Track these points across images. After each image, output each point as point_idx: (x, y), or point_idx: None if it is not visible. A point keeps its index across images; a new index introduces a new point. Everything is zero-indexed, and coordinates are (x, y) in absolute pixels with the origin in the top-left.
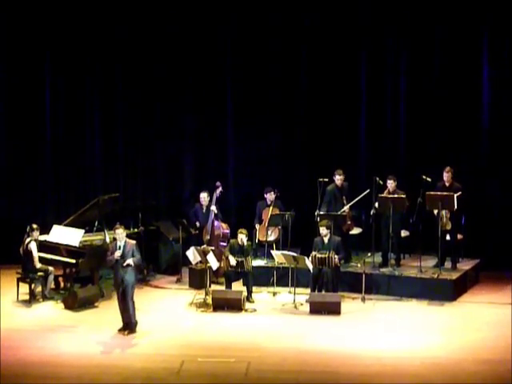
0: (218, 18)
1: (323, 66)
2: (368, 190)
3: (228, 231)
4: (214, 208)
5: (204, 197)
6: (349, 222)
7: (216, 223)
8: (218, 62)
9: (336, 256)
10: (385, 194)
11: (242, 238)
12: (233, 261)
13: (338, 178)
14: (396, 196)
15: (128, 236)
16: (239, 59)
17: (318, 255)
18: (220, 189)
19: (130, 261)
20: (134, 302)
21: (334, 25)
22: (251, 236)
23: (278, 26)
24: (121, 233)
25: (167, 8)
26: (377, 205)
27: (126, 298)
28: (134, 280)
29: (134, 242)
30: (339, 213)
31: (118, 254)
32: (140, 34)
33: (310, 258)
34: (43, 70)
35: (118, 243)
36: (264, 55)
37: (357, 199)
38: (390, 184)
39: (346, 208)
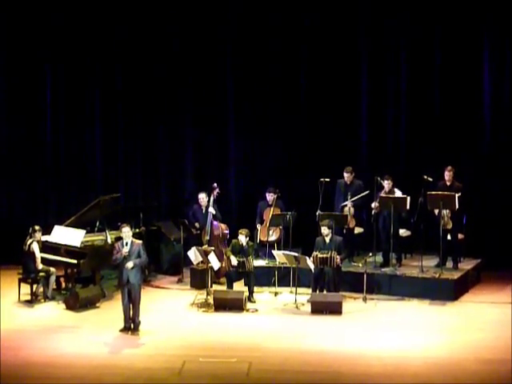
0: (217, 18)
1: (323, 66)
2: (367, 192)
3: (227, 231)
4: (211, 209)
5: (202, 197)
6: (348, 218)
7: (215, 224)
8: (218, 62)
9: (338, 256)
10: (382, 194)
11: (242, 238)
12: (234, 261)
13: (345, 176)
14: (398, 196)
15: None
16: (239, 59)
17: (320, 255)
18: (217, 190)
19: (130, 264)
20: (139, 302)
21: (333, 25)
22: (252, 236)
23: (278, 25)
24: (127, 231)
25: (167, 8)
26: (373, 205)
27: (132, 297)
28: (140, 280)
29: (140, 241)
30: (341, 208)
31: (125, 250)
32: (140, 34)
33: (312, 258)
34: (43, 70)
35: (125, 241)
36: (264, 55)
37: (356, 198)
38: (387, 184)
39: (348, 203)
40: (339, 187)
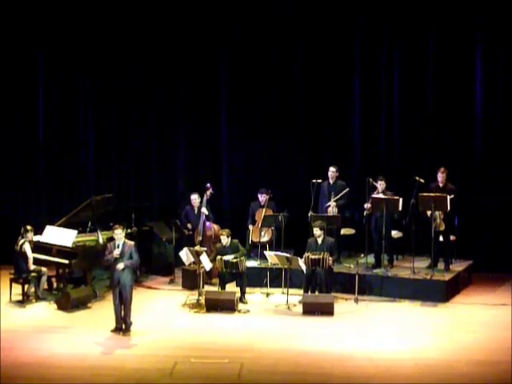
0: (216, 18)
1: (318, 67)
2: (348, 189)
3: (220, 232)
4: (204, 210)
5: (195, 198)
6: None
7: (207, 224)
8: (212, 63)
9: (330, 258)
10: (375, 195)
11: (223, 238)
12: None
13: (331, 171)
14: (390, 197)
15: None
16: (234, 60)
17: (312, 256)
18: (210, 190)
19: (121, 265)
20: (130, 303)
21: (330, 26)
22: (245, 237)
23: (276, 26)
24: (119, 233)
25: (162, 7)
26: (366, 206)
27: (123, 298)
28: (131, 280)
29: (132, 242)
30: (325, 208)
31: (116, 252)
32: (136, 34)
33: (303, 259)
34: (36, 69)
35: (117, 242)
36: (259, 56)
37: (338, 196)
38: (381, 185)
39: (332, 203)
40: (323, 189)
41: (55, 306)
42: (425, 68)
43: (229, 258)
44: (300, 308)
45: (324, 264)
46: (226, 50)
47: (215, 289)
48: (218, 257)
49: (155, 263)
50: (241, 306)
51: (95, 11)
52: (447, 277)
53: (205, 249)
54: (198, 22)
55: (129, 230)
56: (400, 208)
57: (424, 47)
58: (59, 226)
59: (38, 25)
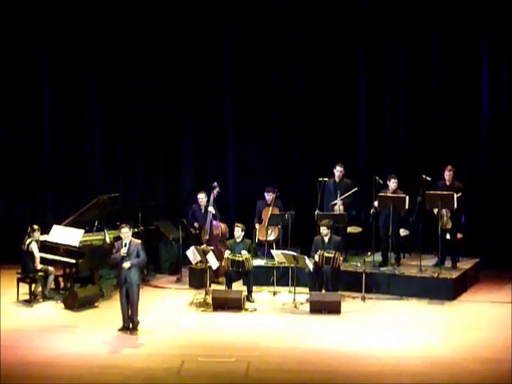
0: (217, 17)
1: (322, 65)
2: (356, 188)
3: (226, 231)
4: (211, 209)
5: (202, 197)
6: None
7: (214, 223)
8: (217, 61)
9: (341, 257)
10: (388, 193)
11: (238, 230)
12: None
13: (338, 170)
14: (396, 195)
15: None
16: (239, 59)
17: (326, 254)
18: (217, 189)
19: (127, 264)
20: (137, 302)
21: (332, 25)
22: (251, 236)
23: (277, 26)
24: (126, 232)
25: (167, 8)
26: (376, 203)
27: (130, 297)
28: (138, 279)
29: (139, 241)
30: (331, 206)
31: (123, 250)
32: (140, 33)
33: (317, 256)
34: (42, 68)
35: (124, 241)
36: (263, 54)
37: (345, 195)
38: (393, 183)
39: (338, 201)
40: (328, 187)
41: (62, 305)
42: (429, 66)
43: (242, 252)
44: (307, 306)
45: (334, 263)
46: (231, 49)
47: (222, 287)
48: (225, 255)
49: (162, 262)
50: (248, 304)
51: (97, 10)
52: (454, 275)
53: (211, 247)
54: (198, 22)
55: (135, 229)
56: (407, 206)
57: (428, 45)
58: (66, 225)
59: (44, 25)
